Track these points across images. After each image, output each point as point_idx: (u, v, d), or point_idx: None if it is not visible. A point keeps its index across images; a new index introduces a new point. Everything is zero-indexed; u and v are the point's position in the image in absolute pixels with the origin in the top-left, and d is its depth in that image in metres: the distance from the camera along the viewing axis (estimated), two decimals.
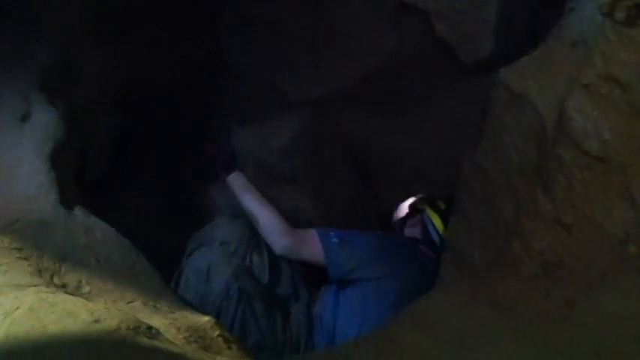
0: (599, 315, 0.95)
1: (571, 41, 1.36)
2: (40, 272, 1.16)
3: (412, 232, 2.33)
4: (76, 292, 1.19)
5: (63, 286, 1.18)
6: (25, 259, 1.17)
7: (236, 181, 2.27)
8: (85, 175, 1.79)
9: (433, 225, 2.24)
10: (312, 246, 2.13)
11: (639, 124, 1.10)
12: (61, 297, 1.07)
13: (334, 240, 2.11)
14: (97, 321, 0.98)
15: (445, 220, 2.16)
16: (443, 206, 2.27)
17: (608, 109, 1.15)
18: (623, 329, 0.89)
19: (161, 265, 1.47)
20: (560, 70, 1.37)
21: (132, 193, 2.37)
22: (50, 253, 1.23)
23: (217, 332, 1.33)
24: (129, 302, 1.27)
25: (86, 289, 1.23)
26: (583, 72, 1.21)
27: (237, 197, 2.26)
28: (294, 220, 2.27)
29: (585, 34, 1.30)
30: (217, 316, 1.89)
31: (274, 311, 2.04)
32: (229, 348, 1.33)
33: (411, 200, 2.51)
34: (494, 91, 1.58)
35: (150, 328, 1.08)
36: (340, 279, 2.09)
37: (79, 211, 1.37)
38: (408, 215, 2.42)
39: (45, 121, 1.43)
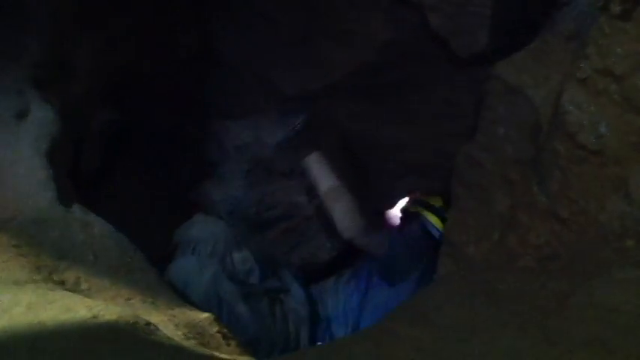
0: (594, 306, 0.95)
1: (566, 35, 1.37)
2: (38, 269, 1.17)
3: (412, 232, 2.34)
4: (74, 288, 1.20)
5: (61, 283, 1.18)
6: (24, 255, 1.17)
7: (316, 161, 2.23)
8: (80, 171, 1.79)
9: (432, 224, 2.25)
10: (380, 232, 2.22)
11: (635, 117, 1.11)
12: (60, 294, 1.08)
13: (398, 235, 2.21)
14: (95, 317, 0.98)
15: (442, 217, 2.17)
16: (438, 204, 2.27)
17: (604, 102, 1.16)
18: (617, 320, 0.90)
19: (157, 262, 1.47)
20: (555, 64, 1.37)
21: (126, 188, 2.37)
22: (48, 250, 1.23)
23: (216, 328, 1.33)
24: (127, 299, 1.27)
25: (84, 285, 1.23)
26: (578, 65, 1.21)
27: (315, 178, 2.23)
28: (290, 215, 2.27)
29: (580, 27, 1.31)
30: None
31: (262, 308, 2.06)
32: (228, 344, 1.33)
33: (402, 204, 2.51)
34: (489, 84, 1.58)
35: (148, 324, 1.09)
36: (391, 272, 2.16)
37: (76, 208, 1.38)
38: (403, 220, 2.43)
39: (41, 118, 1.43)
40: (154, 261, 1.46)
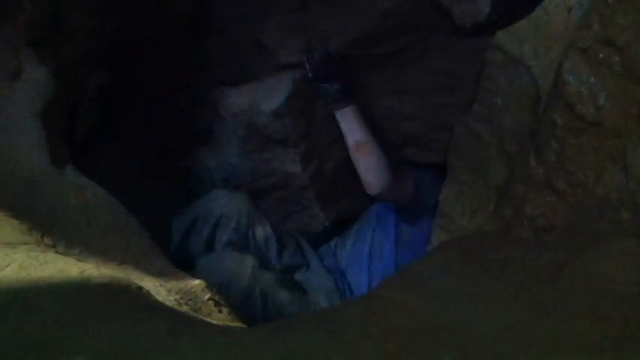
0: (589, 277, 0.95)
1: (568, 4, 1.35)
2: (30, 231, 1.16)
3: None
4: (66, 251, 1.19)
5: (53, 246, 1.18)
6: (16, 217, 1.16)
7: (350, 115, 2.20)
8: (74, 135, 1.77)
9: None
10: (405, 183, 2.26)
11: (635, 89, 1.10)
12: (52, 256, 1.07)
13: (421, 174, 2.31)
14: (87, 279, 0.98)
15: None
16: None
17: (604, 73, 1.15)
18: (612, 291, 0.90)
19: (149, 228, 1.46)
20: (556, 34, 1.36)
21: (119, 153, 2.35)
22: (41, 213, 1.22)
23: (208, 295, 1.33)
24: (120, 263, 1.27)
25: (77, 249, 1.23)
26: (580, 36, 1.20)
27: (347, 130, 2.21)
28: (284, 184, 2.27)
29: None
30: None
31: (294, 290, 2.09)
32: (220, 311, 1.34)
33: None
34: (489, 54, 1.57)
35: (140, 288, 1.09)
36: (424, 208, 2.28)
37: (70, 171, 1.36)
38: None
39: (36, 78, 1.40)
40: (147, 226, 1.45)
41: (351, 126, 2.20)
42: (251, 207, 2.20)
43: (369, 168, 2.15)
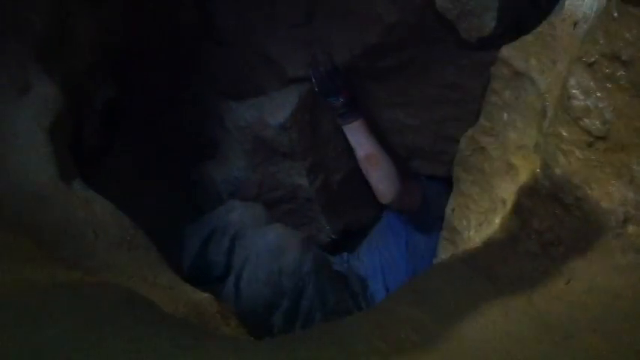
0: (596, 292, 0.95)
1: (574, 19, 1.36)
2: (38, 245, 1.16)
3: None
4: (74, 266, 1.19)
5: (62, 260, 1.18)
6: (24, 231, 1.16)
7: (358, 129, 2.23)
8: (81, 148, 1.78)
9: None
10: (414, 190, 2.31)
11: None
12: (60, 270, 1.07)
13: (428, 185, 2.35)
14: (96, 293, 0.98)
15: None
16: None
17: (610, 87, 1.15)
18: (619, 306, 0.90)
19: (157, 241, 1.46)
20: (562, 48, 1.36)
21: (126, 166, 2.36)
22: (49, 227, 1.22)
23: (216, 309, 1.33)
24: (128, 277, 1.27)
25: (85, 263, 1.23)
26: (585, 50, 1.20)
27: (355, 144, 2.24)
28: (291, 197, 2.27)
29: (588, 11, 1.29)
30: (295, 289, 1.95)
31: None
32: (228, 324, 1.34)
33: None
34: (495, 68, 1.57)
35: (147, 301, 1.09)
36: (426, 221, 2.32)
37: (77, 185, 1.37)
38: None
39: (44, 92, 1.41)
40: (153, 240, 1.46)
41: (359, 140, 2.22)
42: (268, 216, 2.21)
43: (381, 179, 2.18)
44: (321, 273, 2.02)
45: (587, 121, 1.18)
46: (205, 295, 1.34)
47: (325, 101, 2.22)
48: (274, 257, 1.95)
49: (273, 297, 1.93)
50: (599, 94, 1.17)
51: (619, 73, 1.14)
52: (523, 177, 1.40)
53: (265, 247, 1.98)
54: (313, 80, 2.19)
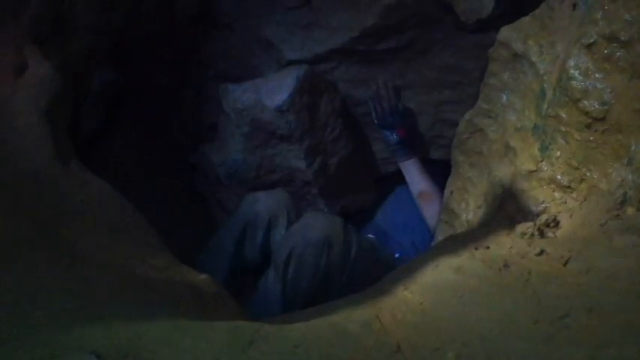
0: (593, 272, 0.96)
1: (572, 0, 1.35)
2: (36, 226, 1.16)
3: None
4: (72, 247, 1.19)
5: (60, 241, 1.18)
6: (21, 213, 1.16)
7: (414, 166, 2.36)
8: (79, 131, 1.78)
9: None
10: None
11: None
12: (58, 252, 1.07)
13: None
14: (95, 275, 0.98)
15: None
16: None
17: (609, 68, 1.15)
18: (616, 286, 0.90)
19: (155, 225, 1.46)
20: (561, 30, 1.36)
21: (124, 150, 2.36)
22: (46, 208, 1.22)
23: (214, 290, 1.33)
24: (126, 258, 1.26)
25: (83, 244, 1.23)
26: (584, 31, 1.19)
27: (408, 180, 2.37)
28: (289, 180, 2.27)
29: None
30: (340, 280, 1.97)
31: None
32: (225, 305, 1.34)
33: None
34: (493, 50, 1.57)
35: (146, 283, 1.09)
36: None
37: (75, 166, 1.36)
38: None
39: (40, 74, 1.40)
40: (152, 221, 1.45)
41: (414, 178, 2.36)
42: (289, 198, 2.23)
43: (433, 215, 2.24)
44: (365, 258, 2.05)
45: (585, 102, 1.18)
46: (203, 276, 1.34)
47: (380, 132, 2.36)
48: (319, 254, 1.94)
49: (319, 292, 1.94)
50: (597, 75, 1.17)
51: (618, 54, 1.13)
52: (521, 159, 1.40)
53: (307, 242, 1.95)
54: (373, 113, 2.31)
